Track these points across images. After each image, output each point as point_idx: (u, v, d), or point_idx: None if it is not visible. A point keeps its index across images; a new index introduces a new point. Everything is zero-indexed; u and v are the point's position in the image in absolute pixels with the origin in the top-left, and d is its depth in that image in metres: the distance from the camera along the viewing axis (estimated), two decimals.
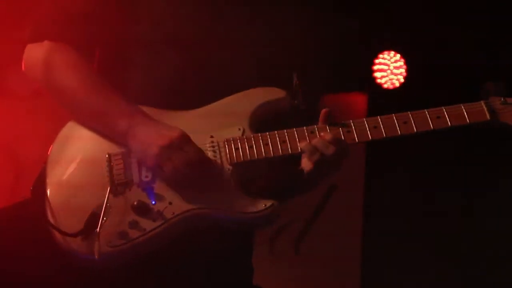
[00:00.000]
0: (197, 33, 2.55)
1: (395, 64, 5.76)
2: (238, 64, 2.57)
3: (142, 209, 2.36)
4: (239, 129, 2.48)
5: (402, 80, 5.76)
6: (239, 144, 2.45)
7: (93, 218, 2.36)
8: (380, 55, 5.78)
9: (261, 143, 2.46)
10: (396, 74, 5.76)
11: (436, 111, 2.62)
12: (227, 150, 2.44)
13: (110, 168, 2.41)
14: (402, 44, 5.75)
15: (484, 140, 5.35)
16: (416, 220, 5.57)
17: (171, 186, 2.39)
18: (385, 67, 5.76)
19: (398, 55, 5.77)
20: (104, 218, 2.36)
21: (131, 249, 2.36)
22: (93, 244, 2.34)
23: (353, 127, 2.69)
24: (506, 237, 5.36)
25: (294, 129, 2.51)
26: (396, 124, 2.65)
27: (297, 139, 2.48)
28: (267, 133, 2.49)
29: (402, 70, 5.76)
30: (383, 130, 2.66)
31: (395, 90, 5.76)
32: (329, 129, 2.58)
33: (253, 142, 2.46)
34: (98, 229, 2.34)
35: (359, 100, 5.99)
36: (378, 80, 5.78)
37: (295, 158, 2.55)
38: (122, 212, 2.36)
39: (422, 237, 5.57)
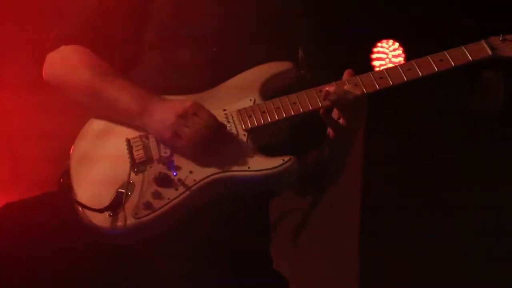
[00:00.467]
0: (206, 25, 2.68)
1: (393, 53, 5.75)
2: (248, 47, 2.70)
3: (164, 180, 2.43)
4: (250, 100, 2.58)
5: None
6: (252, 111, 2.55)
7: (118, 197, 2.44)
8: (379, 44, 5.77)
9: (273, 107, 2.55)
10: (394, 63, 5.73)
11: (438, 55, 2.75)
12: (241, 118, 2.53)
13: (130, 150, 2.51)
14: (400, 33, 5.73)
15: (484, 139, 5.36)
16: (414, 213, 5.56)
17: (190, 157, 2.46)
18: (384, 56, 5.75)
19: (397, 44, 5.75)
20: (129, 193, 2.44)
21: (157, 219, 2.41)
22: (120, 219, 2.41)
23: (360, 81, 2.78)
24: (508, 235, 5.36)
25: (303, 91, 2.61)
26: (401, 72, 2.76)
27: (306, 99, 2.58)
28: (278, 98, 2.59)
29: (401, 59, 5.75)
30: (389, 79, 2.77)
31: None
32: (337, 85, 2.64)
33: (265, 107, 2.55)
34: (123, 203, 2.42)
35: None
36: (377, 69, 5.75)
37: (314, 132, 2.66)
38: (145, 186, 2.44)
39: (421, 231, 5.56)
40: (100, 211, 2.42)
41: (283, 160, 2.45)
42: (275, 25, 2.73)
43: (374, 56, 5.76)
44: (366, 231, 5.78)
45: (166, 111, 2.47)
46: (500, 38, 2.78)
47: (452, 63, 2.70)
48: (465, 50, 2.71)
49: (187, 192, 2.40)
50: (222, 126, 2.47)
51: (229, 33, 2.66)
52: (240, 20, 2.67)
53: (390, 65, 5.70)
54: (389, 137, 5.69)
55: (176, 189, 2.41)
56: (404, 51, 5.74)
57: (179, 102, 2.49)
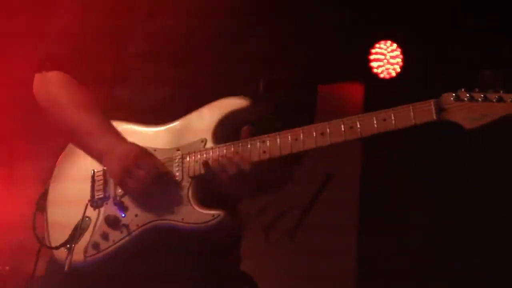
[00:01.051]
0: (181, 44, 2.65)
1: (391, 54, 5.76)
2: (209, 76, 2.64)
3: (113, 222, 2.51)
4: (202, 141, 2.54)
5: (398, 69, 5.75)
6: (198, 156, 2.50)
7: (76, 231, 2.55)
8: (377, 45, 5.78)
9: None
10: (392, 64, 5.76)
11: (384, 113, 2.55)
12: (188, 163, 2.50)
13: (93, 184, 2.59)
14: (398, 34, 5.74)
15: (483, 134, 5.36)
16: (412, 210, 5.57)
17: (137, 200, 2.52)
18: (382, 57, 5.76)
19: (395, 45, 5.76)
20: (84, 228, 2.55)
21: (102, 259, 2.52)
22: (74, 254, 2.53)
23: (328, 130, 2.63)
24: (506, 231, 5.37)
25: (249, 139, 2.52)
26: (343, 129, 2.57)
27: (249, 151, 2.49)
28: (224, 145, 2.52)
29: (399, 60, 5.75)
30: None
31: (392, 79, 5.75)
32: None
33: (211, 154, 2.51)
34: (73, 243, 2.54)
35: (356, 90, 5.99)
36: (375, 70, 5.78)
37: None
38: (98, 224, 2.53)
39: (418, 228, 5.57)
40: (55, 248, 2.55)
41: (213, 215, 2.43)
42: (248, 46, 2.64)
43: (372, 57, 5.77)
44: (364, 229, 5.79)
45: (118, 159, 2.52)
46: (453, 97, 2.56)
47: (395, 125, 2.54)
48: (411, 110, 2.51)
49: (129, 237, 2.47)
50: (164, 175, 2.47)
51: (202, 55, 2.61)
52: (212, 43, 2.61)
53: (388, 66, 5.75)
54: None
55: (121, 232, 2.48)
56: (402, 52, 5.74)
57: (128, 150, 2.53)
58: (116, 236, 2.50)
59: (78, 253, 2.51)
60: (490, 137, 5.42)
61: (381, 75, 5.77)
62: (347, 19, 5.58)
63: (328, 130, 2.50)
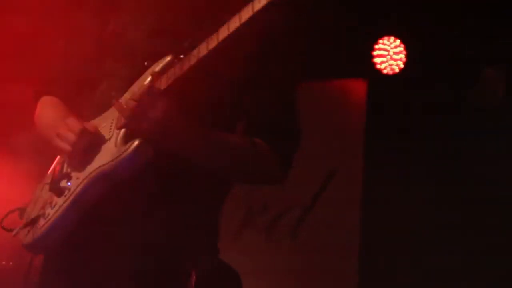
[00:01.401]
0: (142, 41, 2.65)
1: (394, 50, 5.75)
2: None
3: (58, 190, 2.55)
4: None
5: (402, 65, 5.75)
6: None
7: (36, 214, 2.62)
8: (380, 41, 5.77)
9: None
10: (395, 60, 5.75)
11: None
12: (118, 118, 2.53)
13: (53, 168, 2.68)
14: (402, 30, 5.74)
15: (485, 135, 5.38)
16: (414, 207, 5.57)
17: (74, 163, 2.57)
18: (385, 53, 5.75)
19: (398, 41, 5.76)
20: (34, 208, 2.63)
21: (54, 226, 2.53)
22: (34, 232, 2.57)
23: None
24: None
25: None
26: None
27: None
28: None
29: (402, 56, 5.74)
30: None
31: (395, 75, 5.75)
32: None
33: None
34: (25, 218, 2.62)
35: (359, 86, 5.99)
36: (378, 66, 5.77)
37: None
38: (50, 199, 2.58)
39: (421, 225, 5.58)
40: (11, 230, 2.62)
41: (128, 145, 2.44)
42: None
43: (375, 53, 5.77)
44: (366, 227, 5.79)
45: (50, 127, 2.63)
46: None
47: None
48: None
49: (72, 196, 2.49)
50: (91, 131, 2.52)
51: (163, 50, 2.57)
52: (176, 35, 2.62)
53: (391, 62, 5.75)
54: (391, 129, 5.72)
55: (65, 196, 2.52)
56: (406, 48, 5.74)
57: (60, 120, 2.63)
58: (61, 201, 2.52)
59: (35, 230, 2.55)
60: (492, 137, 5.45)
61: (385, 71, 5.76)
62: (350, 15, 5.58)
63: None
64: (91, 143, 2.51)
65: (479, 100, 5.55)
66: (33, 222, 2.58)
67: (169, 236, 2.52)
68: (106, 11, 2.73)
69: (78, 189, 2.50)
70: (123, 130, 2.46)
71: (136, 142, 2.41)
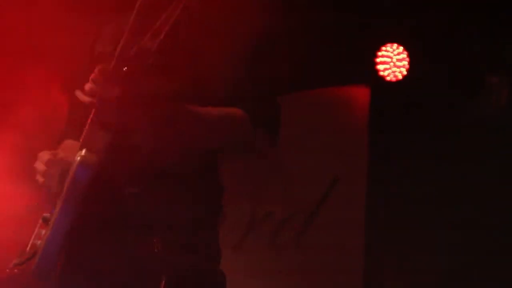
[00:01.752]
0: None
1: (398, 57, 5.76)
2: None
3: (45, 221, 2.58)
4: None
5: (405, 72, 5.76)
6: None
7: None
8: (383, 48, 5.78)
9: None
10: (399, 67, 5.76)
11: None
12: None
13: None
14: (405, 37, 5.75)
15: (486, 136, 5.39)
16: (418, 207, 5.58)
17: (57, 194, 2.57)
18: (388, 60, 5.76)
19: (401, 48, 5.77)
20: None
21: (43, 256, 2.55)
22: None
23: None
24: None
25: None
26: None
27: None
28: None
29: (405, 63, 5.76)
30: None
31: (398, 82, 5.76)
32: None
33: None
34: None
35: (362, 93, 5.99)
36: (381, 73, 5.78)
37: None
38: (39, 230, 2.63)
39: (425, 224, 5.58)
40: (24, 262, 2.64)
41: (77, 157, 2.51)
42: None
43: (378, 60, 5.78)
44: (371, 229, 5.79)
45: None
46: None
47: None
48: None
49: (51, 224, 2.52)
50: (61, 162, 2.54)
51: None
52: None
53: (395, 69, 5.76)
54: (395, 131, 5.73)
55: (48, 225, 2.55)
56: (409, 55, 5.75)
57: None
58: (44, 231, 2.56)
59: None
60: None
61: (388, 78, 5.78)
62: (353, 22, 5.59)
63: None
64: (63, 170, 2.53)
65: (482, 107, 5.56)
66: (34, 255, 2.60)
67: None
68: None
69: (55, 216, 2.52)
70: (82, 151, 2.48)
71: (82, 153, 2.45)
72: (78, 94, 2.45)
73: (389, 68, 5.77)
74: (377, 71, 5.78)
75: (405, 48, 5.76)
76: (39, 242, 2.56)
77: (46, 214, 2.57)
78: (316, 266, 5.84)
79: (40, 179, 2.58)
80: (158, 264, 2.49)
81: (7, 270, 2.71)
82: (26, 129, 3.20)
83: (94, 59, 2.69)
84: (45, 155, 2.58)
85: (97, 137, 2.44)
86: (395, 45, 5.78)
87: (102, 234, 2.54)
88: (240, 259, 5.83)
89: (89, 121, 2.48)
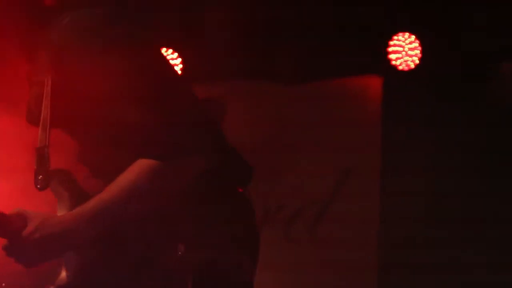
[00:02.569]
0: None
1: (410, 46, 5.73)
2: None
3: None
4: None
5: (417, 61, 5.73)
6: None
7: None
8: (395, 37, 5.76)
9: None
10: (411, 56, 5.74)
11: None
12: None
13: None
14: (416, 25, 5.72)
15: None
16: (433, 199, 5.57)
17: None
18: (400, 49, 5.74)
19: (413, 37, 5.74)
20: None
21: None
22: None
23: None
24: None
25: None
26: None
27: None
28: None
29: (417, 52, 5.73)
30: None
31: (411, 71, 5.74)
32: None
33: None
34: None
35: (374, 83, 5.98)
36: (393, 62, 5.76)
37: None
38: None
39: (440, 216, 5.57)
40: None
41: None
42: None
43: (390, 49, 5.76)
44: (384, 221, 5.79)
45: None
46: None
47: None
48: None
49: None
50: None
51: None
52: None
53: (407, 58, 5.73)
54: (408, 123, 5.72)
55: None
56: (421, 44, 5.73)
57: None
58: None
59: None
60: None
61: (400, 67, 5.75)
62: (364, 12, 5.57)
63: None
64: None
65: (495, 95, 5.53)
66: None
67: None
68: None
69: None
70: None
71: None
72: None
73: (401, 58, 5.74)
74: (389, 60, 5.76)
75: (417, 37, 5.74)
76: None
77: None
78: (330, 259, 5.83)
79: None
80: (183, 266, 2.33)
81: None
82: None
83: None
84: None
85: None
86: (406, 34, 5.75)
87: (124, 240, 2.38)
88: None
89: None
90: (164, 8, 5.26)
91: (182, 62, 5.89)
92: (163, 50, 5.81)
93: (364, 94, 6.04)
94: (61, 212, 2.45)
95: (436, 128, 5.64)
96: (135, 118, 2.25)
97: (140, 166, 2.27)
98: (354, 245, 5.80)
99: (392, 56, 5.75)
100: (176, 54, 5.90)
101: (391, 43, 5.76)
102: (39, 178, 2.41)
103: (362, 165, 5.93)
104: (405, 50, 5.73)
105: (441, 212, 5.56)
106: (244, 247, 2.44)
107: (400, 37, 5.75)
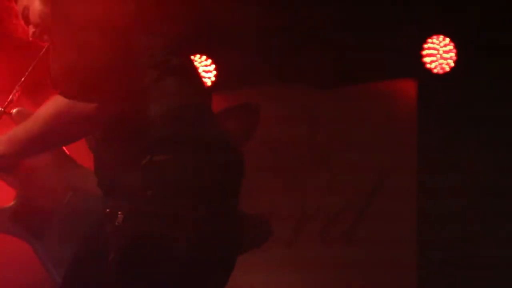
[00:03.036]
0: None
1: (444, 49, 5.72)
2: None
3: None
4: None
5: (452, 64, 5.72)
6: None
7: None
8: (429, 40, 5.75)
9: None
10: (446, 59, 5.72)
11: None
12: None
13: None
14: (451, 28, 5.70)
15: None
16: (471, 203, 5.55)
17: None
18: (435, 52, 5.72)
19: (448, 39, 5.73)
20: None
21: None
22: None
23: None
24: None
25: None
26: None
27: None
28: None
29: (452, 54, 5.72)
30: None
31: (445, 74, 5.72)
32: None
33: None
34: None
35: (409, 86, 5.97)
36: (428, 65, 5.75)
37: None
38: None
39: (477, 215, 5.55)
40: None
41: None
42: None
43: (425, 52, 5.74)
44: (422, 224, 5.77)
45: None
46: None
47: None
48: None
49: None
50: None
51: None
52: None
53: (441, 61, 5.71)
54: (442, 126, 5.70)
55: None
56: (455, 47, 5.71)
57: None
58: None
59: None
60: None
61: (435, 71, 5.74)
62: (398, 14, 5.57)
63: None
64: None
65: None
66: None
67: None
68: None
69: None
70: None
71: None
72: None
73: (436, 61, 5.73)
74: (423, 63, 5.75)
75: (452, 40, 5.72)
76: None
77: None
78: (368, 261, 5.83)
79: None
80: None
81: None
82: None
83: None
84: None
85: None
86: (441, 37, 5.74)
87: None
88: (291, 253, 5.86)
89: None
90: (197, 17, 5.29)
91: (216, 69, 5.95)
92: (197, 57, 5.87)
93: (399, 97, 6.03)
94: None
95: (472, 130, 5.62)
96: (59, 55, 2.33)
97: (51, 100, 2.37)
98: (393, 247, 5.79)
99: (426, 59, 5.74)
100: (210, 61, 5.96)
101: (426, 46, 5.75)
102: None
103: (399, 166, 5.93)
104: (439, 53, 5.72)
105: (479, 211, 5.54)
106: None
107: (434, 40, 5.73)
